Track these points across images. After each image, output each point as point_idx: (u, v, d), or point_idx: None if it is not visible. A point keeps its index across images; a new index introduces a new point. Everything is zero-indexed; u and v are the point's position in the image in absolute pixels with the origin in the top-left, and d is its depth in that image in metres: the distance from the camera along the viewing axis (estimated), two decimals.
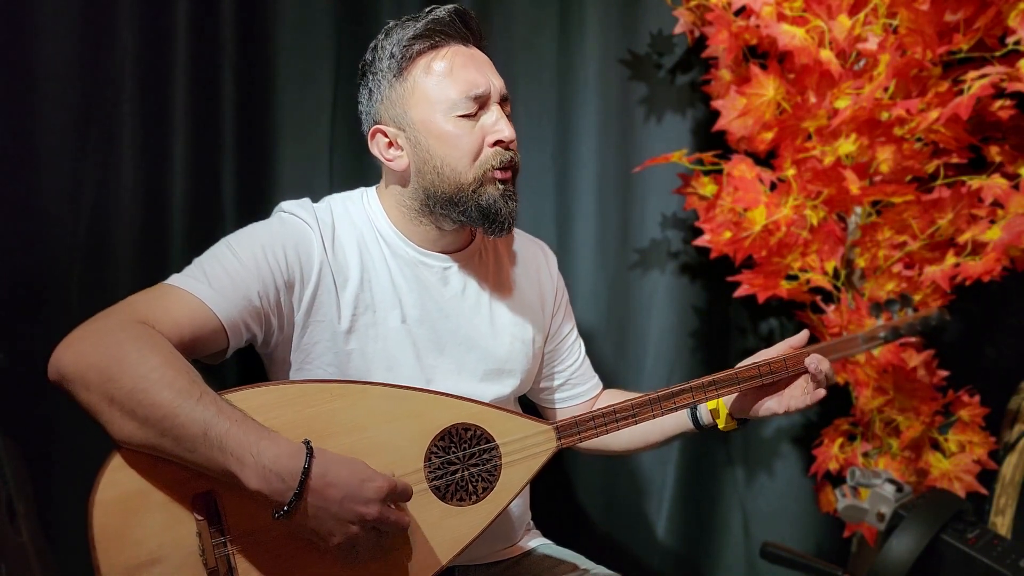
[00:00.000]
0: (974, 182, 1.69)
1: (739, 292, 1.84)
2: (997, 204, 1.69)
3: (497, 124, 1.16)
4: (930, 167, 1.74)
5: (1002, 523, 1.86)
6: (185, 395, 0.96)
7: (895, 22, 1.64)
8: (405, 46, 1.15)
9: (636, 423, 1.17)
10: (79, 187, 1.59)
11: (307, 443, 0.98)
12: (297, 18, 1.73)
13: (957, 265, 1.71)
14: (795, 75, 1.74)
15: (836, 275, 1.81)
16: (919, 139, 1.71)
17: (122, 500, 0.98)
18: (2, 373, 1.48)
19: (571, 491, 2.00)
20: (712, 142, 1.90)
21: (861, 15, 1.65)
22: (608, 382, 1.51)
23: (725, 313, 2.03)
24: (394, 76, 1.17)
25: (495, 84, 1.18)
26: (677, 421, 1.30)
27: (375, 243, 1.22)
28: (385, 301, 1.21)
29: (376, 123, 1.20)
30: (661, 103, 1.96)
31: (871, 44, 1.65)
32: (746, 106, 1.76)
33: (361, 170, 1.75)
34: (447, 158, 1.16)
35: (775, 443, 2.07)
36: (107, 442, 0.99)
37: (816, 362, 1.18)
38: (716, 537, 2.08)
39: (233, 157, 1.71)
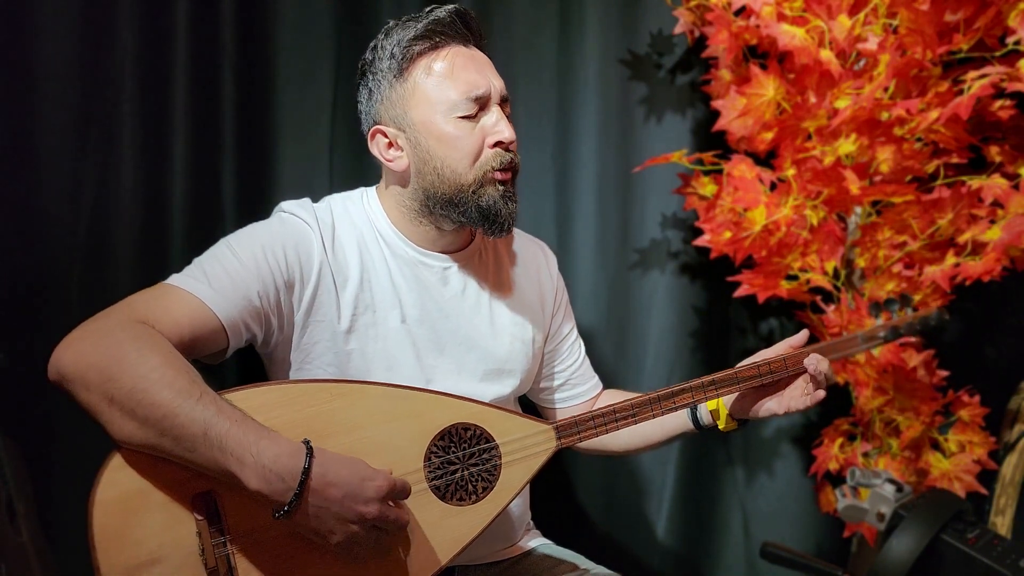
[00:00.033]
0: (974, 182, 1.69)
1: (739, 292, 1.84)
2: (997, 204, 1.69)
3: (497, 125, 1.16)
4: (930, 167, 1.74)
5: (1002, 523, 1.86)
6: (185, 395, 0.96)
7: (895, 22, 1.64)
8: (405, 46, 1.15)
9: (636, 423, 1.17)
10: (79, 187, 1.59)
11: (307, 443, 0.98)
12: (297, 18, 1.74)
13: (957, 265, 1.71)
14: (795, 75, 1.74)
15: (836, 275, 1.81)
16: (919, 139, 1.71)
17: (122, 500, 0.98)
18: (2, 373, 1.48)
19: (571, 491, 2.00)
20: (712, 142, 1.90)
21: (861, 15, 1.65)
22: (608, 382, 1.51)
23: (725, 313, 2.03)
24: (394, 76, 1.17)
25: (495, 85, 1.18)
26: (677, 421, 1.30)
27: (375, 243, 1.22)
28: (385, 301, 1.21)
29: (376, 123, 1.20)
30: (661, 103, 1.96)
31: (871, 44, 1.65)
32: (746, 106, 1.76)
33: (361, 170, 1.75)
34: (447, 159, 1.16)
35: (775, 443, 2.07)
36: (107, 442, 0.99)
37: (815, 362, 1.18)
38: (716, 537, 2.08)
39: (233, 157, 1.71)
